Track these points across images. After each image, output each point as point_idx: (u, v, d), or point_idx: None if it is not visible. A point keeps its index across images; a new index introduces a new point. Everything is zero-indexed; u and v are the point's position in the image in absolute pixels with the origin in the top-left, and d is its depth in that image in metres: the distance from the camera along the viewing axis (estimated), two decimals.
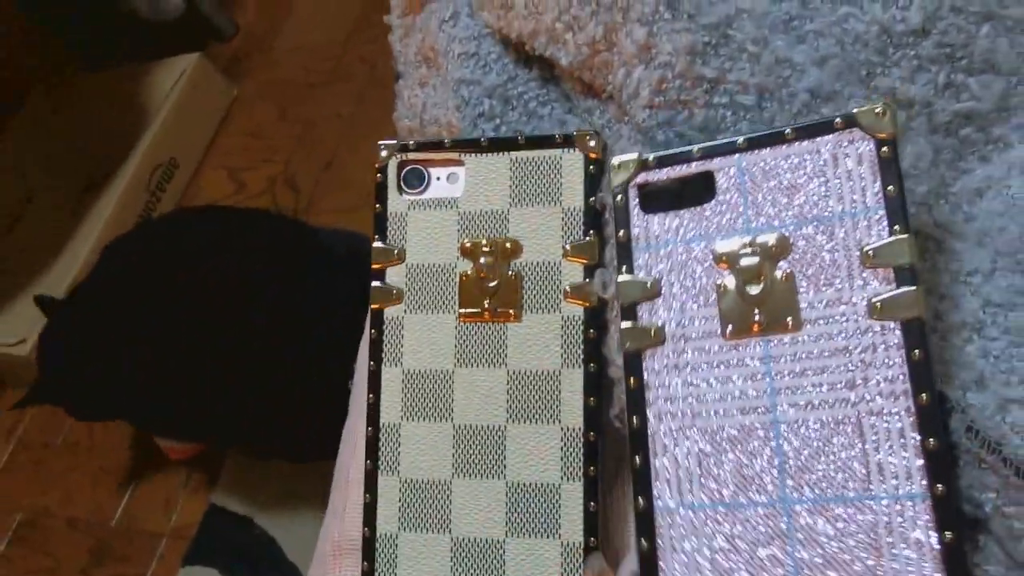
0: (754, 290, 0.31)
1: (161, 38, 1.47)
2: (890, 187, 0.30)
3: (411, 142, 0.39)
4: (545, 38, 0.38)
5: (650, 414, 0.31)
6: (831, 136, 0.31)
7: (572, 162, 0.37)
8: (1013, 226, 0.31)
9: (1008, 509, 0.28)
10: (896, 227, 0.30)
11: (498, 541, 0.35)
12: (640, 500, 0.31)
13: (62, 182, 1.31)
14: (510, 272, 0.37)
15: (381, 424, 0.38)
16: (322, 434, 0.53)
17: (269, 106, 1.35)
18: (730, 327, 0.31)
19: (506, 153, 0.38)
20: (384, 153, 0.39)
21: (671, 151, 0.34)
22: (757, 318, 0.31)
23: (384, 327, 0.38)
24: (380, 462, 0.37)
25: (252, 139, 1.33)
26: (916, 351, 0.28)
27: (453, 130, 0.45)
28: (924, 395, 0.28)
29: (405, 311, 0.38)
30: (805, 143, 0.32)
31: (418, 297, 0.38)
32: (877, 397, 0.28)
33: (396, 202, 0.39)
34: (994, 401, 0.29)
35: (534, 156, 0.37)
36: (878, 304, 0.29)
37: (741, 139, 0.32)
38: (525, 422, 0.35)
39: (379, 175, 0.39)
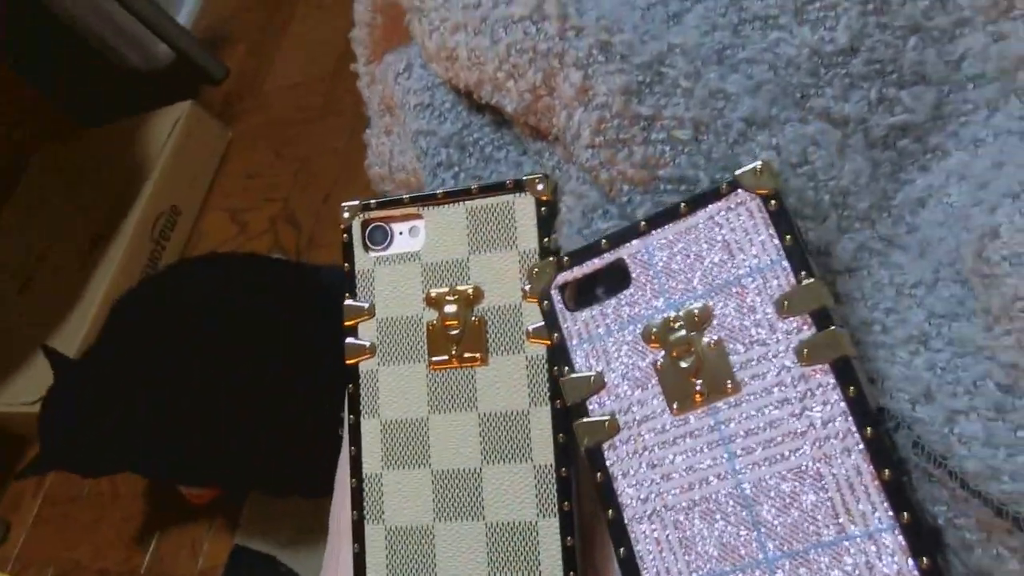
0: (687, 363, 0.32)
1: (154, 87, 1.50)
2: (787, 236, 0.31)
3: (372, 200, 0.40)
4: (490, 87, 0.39)
5: (622, 503, 0.32)
6: (720, 203, 0.32)
7: (524, 206, 0.38)
8: (951, 236, 0.32)
9: (959, 520, 0.28)
10: (802, 273, 0.31)
11: None
12: None
13: (69, 239, 1.34)
14: (474, 318, 0.38)
15: (364, 475, 0.39)
16: (336, 468, 0.54)
17: (264, 146, 1.37)
18: (676, 403, 0.32)
19: (461, 203, 0.39)
20: (347, 214, 0.40)
21: (580, 247, 0.35)
22: (698, 388, 0.32)
23: (360, 381, 0.39)
24: (365, 512, 0.38)
25: (250, 180, 1.35)
26: (851, 388, 0.29)
27: (419, 176, 0.47)
28: (868, 429, 0.29)
29: (379, 364, 0.39)
30: (699, 213, 0.33)
31: (390, 349, 0.39)
32: (826, 439, 0.29)
33: (363, 259, 0.40)
34: (942, 414, 0.29)
35: (488, 204, 0.38)
36: (804, 350, 0.30)
37: (642, 223, 0.34)
38: (499, 462, 0.36)
39: (345, 235, 0.40)
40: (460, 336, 0.38)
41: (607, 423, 0.33)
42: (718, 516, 0.30)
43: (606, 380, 0.33)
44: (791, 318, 0.30)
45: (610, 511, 0.32)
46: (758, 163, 0.32)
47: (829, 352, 0.30)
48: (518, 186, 0.38)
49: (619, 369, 0.33)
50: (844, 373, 0.29)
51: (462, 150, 0.43)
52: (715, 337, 0.32)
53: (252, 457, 0.84)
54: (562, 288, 0.35)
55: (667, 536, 0.31)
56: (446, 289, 0.38)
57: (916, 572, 0.27)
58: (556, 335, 0.35)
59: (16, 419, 1.19)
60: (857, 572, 0.28)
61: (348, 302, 0.40)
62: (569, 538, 0.35)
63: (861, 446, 0.28)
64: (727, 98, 0.35)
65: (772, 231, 0.31)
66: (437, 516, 0.37)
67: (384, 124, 0.50)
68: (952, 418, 0.29)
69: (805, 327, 0.30)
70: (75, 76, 1.54)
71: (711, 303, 0.32)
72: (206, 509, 1.03)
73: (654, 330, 0.33)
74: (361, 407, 0.39)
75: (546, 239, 0.37)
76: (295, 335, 0.81)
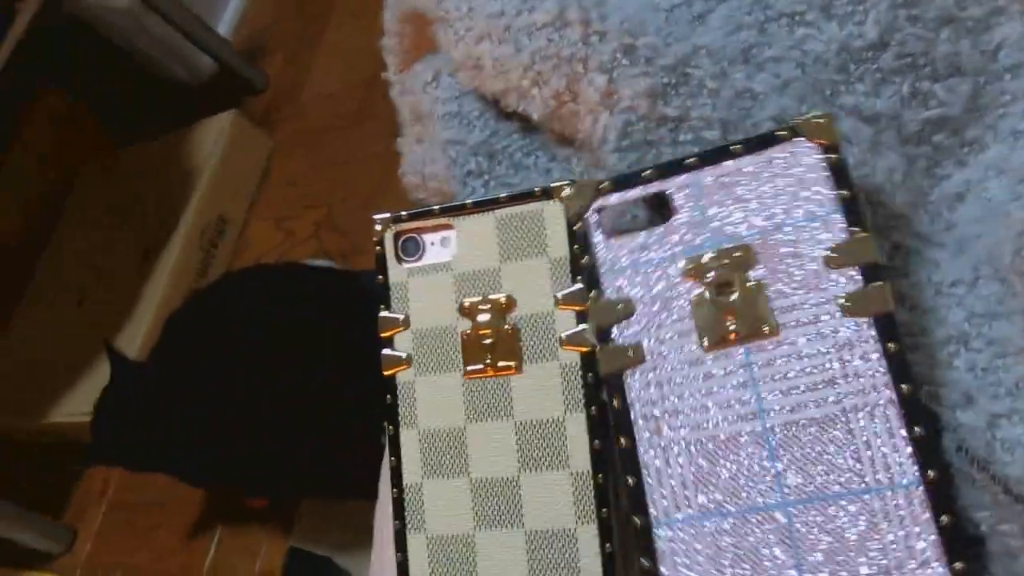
0: (724, 301, 0.31)
1: (197, 99, 1.53)
2: (843, 191, 0.30)
3: (403, 212, 0.41)
4: (515, 95, 0.39)
5: (637, 433, 0.32)
6: (777, 147, 0.32)
7: (553, 213, 0.38)
8: (990, 232, 0.31)
9: (1002, 527, 0.28)
10: (855, 228, 0.30)
11: None
12: (636, 519, 0.31)
13: (121, 252, 1.37)
14: (507, 326, 0.38)
15: (405, 485, 0.39)
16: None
17: (305, 153, 1.39)
18: (707, 339, 0.31)
19: (491, 212, 0.39)
20: (379, 227, 0.41)
21: (624, 173, 0.34)
22: (733, 327, 0.31)
23: (398, 391, 0.40)
24: (407, 521, 0.39)
25: (293, 188, 1.38)
26: (891, 344, 0.29)
27: (451, 184, 0.47)
28: (904, 386, 0.28)
29: (415, 374, 0.39)
30: (754, 155, 0.32)
31: (425, 360, 0.39)
32: (860, 392, 0.29)
33: (396, 271, 0.40)
34: (983, 418, 0.29)
35: (517, 212, 0.38)
36: (847, 302, 0.30)
37: (691, 158, 0.33)
38: (536, 470, 0.37)
39: (378, 247, 0.41)
40: (494, 345, 0.38)
41: (632, 351, 0.33)
42: (737, 456, 0.30)
43: (635, 308, 0.33)
44: (839, 269, 0.30)
45: (623, 439, 0.32)
46: (820, 113, 0.31)
47: (873, 306, 0.29)
48: (546, 193, 0.38)
49: (650, 299, 0.33)
50: (886, 328, 0.29)
51: (491, 158, 0.43)
52: (757, 278, 0.31)
53: (300, 465, 0.86)
54: (599, 212, 0.34)
55: (680, 470, 0.31)
56: (479, 298, 0.38)
57: (936, 529, 0.27)
58: (588, 258, 0.34)
59: (77, 428, 1.23)
60: (874, 523, 0.28)
61: (383, 313, 0.40)
62: (608, 544, 0.35)
63: (896, 401, 0.28)
64: (754, 97, 0.35)
65: (829, 182, 0.31)
66: (477, 524, 0.37)
67: (415, 133, 0.51)
68: (994, 422, 0.29)
69: (852, 279, 0.30)
70: (122, 92, 1.58)
71: (757, 245, 0.31)
72: (262, 513, 1.05)
73: (693, 265, 0.32)
74: (400, 417, 0.40)
75: (576, 246, 0.37)
76: (339, 342, 0.83)
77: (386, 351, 0.40)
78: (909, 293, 0.32)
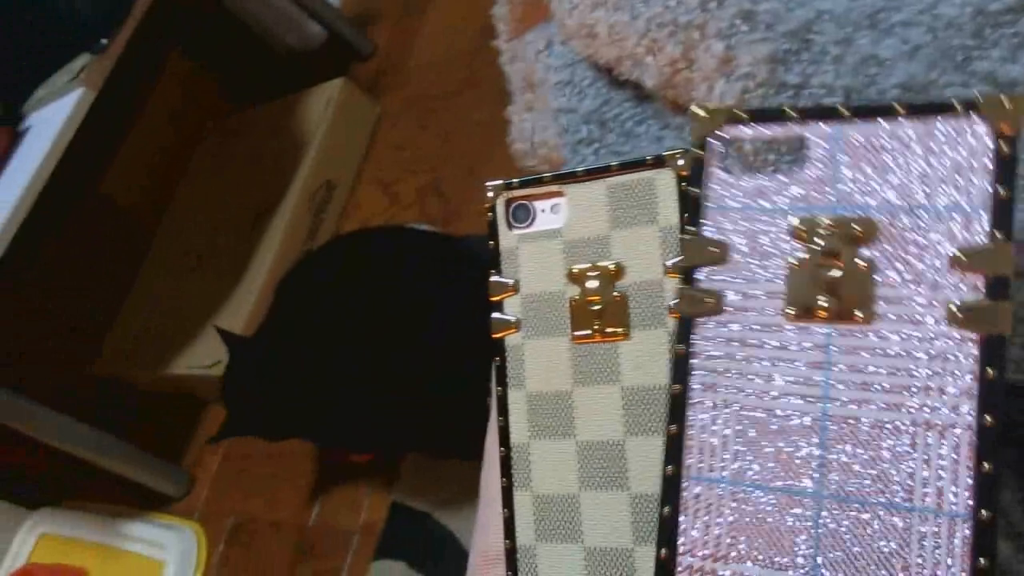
0: (829, 273, 0.29)
1: (307, 67, 1.57)
2: (1002, 189, 0.27)
3: (515, 180, 0.41)
4: (630, 62, 0.39)
5: (693, 383, 0.30)
6: (947, 119, 0.28)
7: (664, 182, 0.38)
8: None
9: None
10: (999, 234, 0.27)
11: (627, 549, 0.37)
12: (669, 467, 0.31)
13: (235, 216, 1.43)
14: (615, 294, 0.38)
15: (512, 444, 0.40)
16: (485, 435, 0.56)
17: (411, 120, 1.41)
18: (794, 308, 0.29)
19: (602, 180, 0.39)
20: (491, 193, 0.42)
21: (764, 107, 0.32)
22: (826, 303, 0.29)
23: (506, 354, 0.41)
24: (514, 479, 0.40)
25: (399, 152, 1.40)
26: (990, 369, 0.27)
27: (560, 152, 0.47)
28: (988, 417, 0.26)
29: (523, 338, 0.40)
30: (916, 123, 0.29)
31: (534, 324, 0.40)
32: (939, 409, 0.27)
33: (507, 237, 0.41)
34: None
35: (628, 180, 0.38)
36: (961, 312, 0.27)
37: (844, 107, 0.30)
38: (642, 435, 0.37)
39: (489, 213, 0.42)
40: (602, 311, 0.38)
41: (711, 300, 0.31)
42: (787, 434, 0.28)
43: (729, 255, 0.31)
44: (964, 274, 0.27)
45: (676, 386, 0.31)
46: (1009, 96, 0.28)
47: (987, 325, 0.27)
48: (658, 162, 0.38)
49: (748, 250, 0.30)
50: (993, 352, 0.27)
51: (602, 126, 0.43)
52: (870, 258, 0.29)
53: (411, 423, 0.89)
54: (724, 142, 0.32)
55: (725, 432, 0.30)
56: (588, 265, 0.39)
57: (970, 569, 0.25)
58: (697, 189, 0.32)
59: (193, 381, 1.30)
60: (907, 543, 0.26)
61: (494, 278, 0.41)
62: (667, 508, 0.35)
63: (975, 430, 0.26)
64: (880, 64, 0.34)
65: (991, 176, 0.27)
66: (583, 485, 0.38)
67: (526, 101, 0.51)
68: None
69: (974, 289, 0.27)
70: (238, 59, 1.64)
71: (882, 222, 0.29)
72: (366, 468, 1.09)
73: (807, 225, 0.30)
74: (508, 379, 0.41)
75: (687, 214, 0.37)
76: (447, 305, 0.85)
77: (496, 315, 0.41)
78: None
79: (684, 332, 0.31)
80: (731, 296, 0.30)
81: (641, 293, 0.38)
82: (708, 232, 0.31)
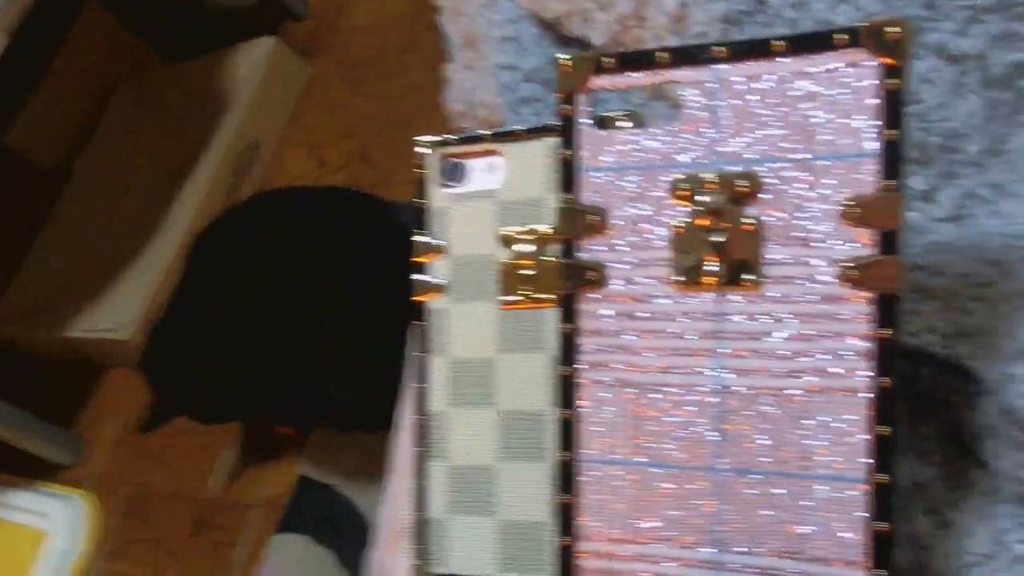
0: (714, 236, 0.27)
1: (238, 24, 1.51)
2: (890, 130, 0.25)
3: (450, 136, 0.39)
4: (578, 18, 0.37)
5: (583, 363, 0.29)
6: (829, 54, 0.26)
7: None
8: None
9: None
10: (889, 181, 0.25)
11: (543, 523, 0.35)
12: (564, 453, 0.29)
13: (152, 172, 1.36)
14: (549, 259, 0.36)
15: (429, 411, 0.38)
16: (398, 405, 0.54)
17: (343, 83, 1.37)
18: (681, 275, 0.28)
19: (542, 140, 0.37)
20: (424, 149, 0.39)
21: (633, 51, 0.29)
22: (713, 269, 0.27)
23: (430, 318, 0.39)
24: (429, 448, 0.38)
25: (329, 116, 1.36)
26: (886, 329, 0.25)
27: (499, 112, 0.45)
28: (886, 378, 0.25)
29: (449, 302, 0.38)
30: (796, 60, 0.26)
31: (461, 288, 0.38)
32: (835, 373, 0.26)
33: (438, 196, 0.39)
34: None
35: None
36: (852, 269, 0.26)
37: (718, 46, 0.27)
38: None
39: (420, 170, 0.39)
40: (533, 277, 0.37)
41: (594, 272, 0.29)
42: (683, 408, 0.27)
43: (608, 223, 0.28)
44: (854, 228, 0.26)
45: (565, 368, 0.29)
46: (892, 19, 0.25)
47: (880, 281, 0.25)
48: (602, 124, 0.36)
49: (627, 216, 0.28)
50: (886, 311, 0.25)
51: (546, 85, 0.41)
52: (755, 217, 0.27)
53: (340, 388, 0.86)
54: (594, 94, 0.29)
55: (620, 409, 0.28)
56: (522, 228, 0.37)
57: (868, 533, 0.25)
58: (570, 149, 0.29)
59: (90, 345, 1.24)
60: (807, 509, 0.26)
61: (421, 238, 0.39)
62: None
63: (868, 394, 0.25)
64: None
65: (878, 115, 0.25)
66: (500, 456, 0.36)
67: (465, 58, 0.49)
68: None
69: (865, 244, 0.25)
70: (161, 11, 1.56)
71: (767, 174, 0.27)
72: (274, 441, 1.05)
73: (686, 184, 0.27)
74: (429, 344, 0.39)
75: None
76: (369, 269, 0.82)
77: (420, 276, 0.39)
78: (976, 244, 0.30)
79: (568, 310, 0.29)
80: (615, 267, 0.28)
81: None
82: (585, 198, 0.29)
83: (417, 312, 0.39)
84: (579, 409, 0.29)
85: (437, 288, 0.39)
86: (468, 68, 0.48)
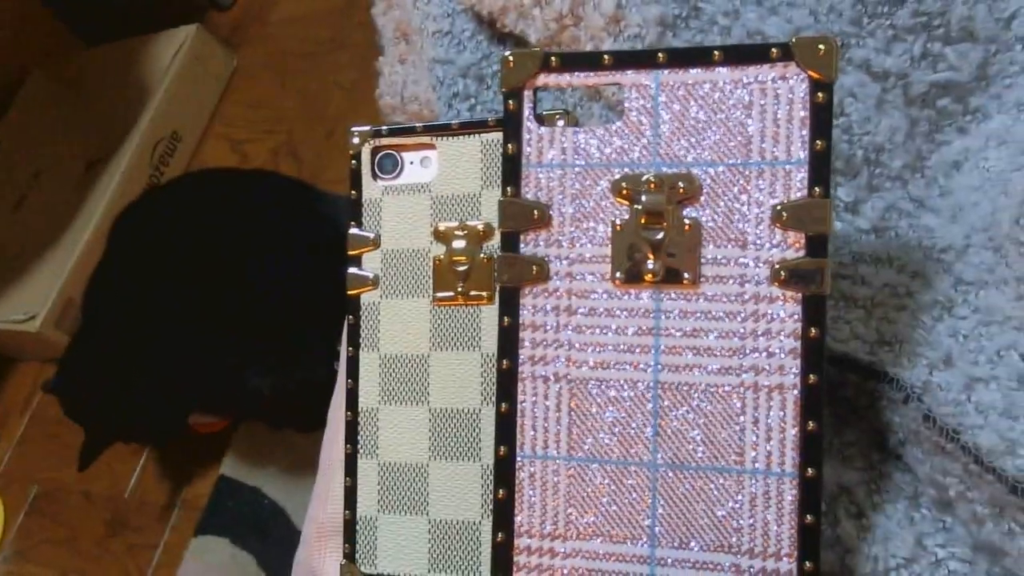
0: (651, 235, 0.28)
1: (160, 10, 1.46)
2: (819, 141, 0.27)
3: (384, 127, 0.39)
4: (515, 15, 0.37)
5: (523, 357, 0.29)
6: (763, 67, 0.27)
7: None
8: (986, 201, 0.31)
9: (970, 494, 0.28)
10: (817, 188, 0.27)
11: (475, 523, 0.35)
12: (502, 448, 0.29)
13: (67, 159, 1.31)
14: (482, 255, 0.36)
15: (360, 408, 0.38)
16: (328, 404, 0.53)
17: (270, 76, 1.34)
18: (621, 272, 0.28)
19: (477, 135, 0.37)
20: (357, 140, 0.39)
21: (578, 52, 0.30)
22: (652, 267, 0.28)
23: (361, 313, 0.38)
24: (360, 446, 0.38)
25: (253, 110, 1.33)
26: (813, 329, 0.26)
27: (432, 107, 0.45)
28: (812, 376, 0.26)
29: (381, 296, 0.38)
30: (734, 70, 0.27)
31: (393, 282, 0.38)
32: (765, 371, 0.27)
33: (371, 188, 0.39)
34: (960, 380, 0.28)
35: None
36: (782, 271, 0.27)
37: (661, 52, 0.28)
38: None
39: (353, 161, 0.39)
40: (467, 273, 0.36)
41: (536, 267, 0.29)
42: (620, 403, 0.28)
43: (552, 218, 0.29)
44: (785, 232, 0.27)
45: (505, 361, 0.29)
46: (823, 38, 0.27)
47: (808, 284, 0.27)
48: (538, 120, 0.36)
49: (570, 213, 0.29)
50: (814, 311, 0.26)
51: (480, 81, 0.41)
52: (694, 218, 0.28)
53: (241, 380, 0.84)
54: (538, 92, 0.30)
55: (558, 403, 0.29)
56: (456, 224, 0.37)
57: (797, 526, 0.26)
58: (512, 144, 0.29)
59: (3, 336, 1.19)
60: (739, 503, 0.27)
61: (353, 231, 0.39)
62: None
63: (799, 390, 0.26)
64: (765, 40, 0.34)
65: (807, 127, 0.27)
66: (433, 454, 0.36)
67: (399, 52, 0.48)
68: (971, 385, 0.28)
69: (795, 247, 0.27)
70: None
71: (704, 177, 0.28)
72: (193, 439, 1.02)
73: (627, 184, 0.28)
74: (361, 340, 0.38)
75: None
76: (292, 255, 0.80)
77: (352, 270, 0.38)
78: (898, 255, 0.32)
79: (509, 303, 0.29)
80: (556, 263, 0.29)
81: None
82: (529, 193, 0.29)
83: (348, 306, 0.38)
84: (518, 404, 0.29)
85: (369, 282, 0.38)
86: (401, 62, 0.48)
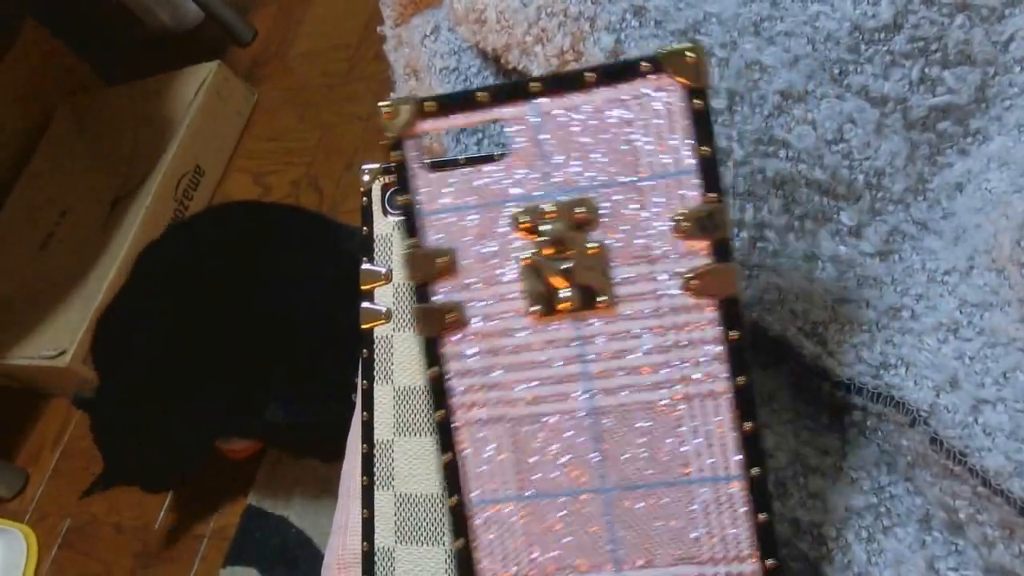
0: (559, 265, 0.28)
1: (181, 47, 1.50)
2: (703, 147, 0.27)
3: (393, 164, 0.40)
4: (517, 51, 0.38)
5: (455, 405, 0.29)
6: (636, 82, 0.27)
7: None
8: (988, 223, 0.31)
9: (980, 517, 0.28)
10: (710, 193, 0.27)
11: None
12: (453, 498, 0.29)
13: (92, 195, 1.34)
14: None
15: (375, 440, 0.38)
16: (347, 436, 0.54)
17: (289, 110, 1.36)
18: (537, 307, 0.28)
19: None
20: (367, 177, 0.40)
21: (453, 92, 0.30)
22: (566, 295, 0.28)
23: (375, 346, 0.39)
24: (376, 477, 0.38)
25: (274, 143, 1.35)
26: (732, 331, 0.27)
27: (442, 141, 0.46)
28: (740, 378, 0.27)
29: (393, 330, 0.39)
30: (608, 90, 0.28)
31: (405, 316, 0.39)
32: (693, 380, 0.27)
33: (381, 224, 0.39)
34: (967, 403, 0.29)
35: None
36: (693, 280, 0.27)
37: (533, 81, 0.28)
38: None
39: (364, 198, 0.40)
40: None
41: (451, 314, 0.29)
42: (560, 435, 0.28)
43: (458, 264, 0.29)
44: (688, 240, 0.27)
45: (439, 412, 0.29)
46: (689, 46, 0.27)
47: (719, 288, 0.27)
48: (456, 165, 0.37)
49: (475, 254, 0.28)
50: (730, 314, 0.27)
51: None
52: (598, 241, 0.28)
53: (264, 410, 0.85)
54: (420, 138, 0.29)
55: (498, 446, 0.28)
56: None
57: (752, 525, 0.26)
58: (406, 196, 0.29)
59: (34, 372, 1.21)
60: (692, 513, 0.27)
61: (365, 266, 0.39)
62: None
63: (729, 393, 0.27)
64: (763, 70, 0.34)
65: (689, 134, 0.27)
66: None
67: (409, 88, 0.49)
68: (978, 408, 0.28)
69: (700, 254, 0.27)
70: (103, 32, 1.54)
71: (600, 200, 0.28)
72: (221, 467, 1.03)
73: (526, 217, 0.28)
74: (375, 372, 0.39)
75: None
76: (320, 294, 0.82)
77: (366, 304, 0.39)
78: (902, 278, 0.32)
79: (432, 354, 0.29)
80: (472, 306, 0.29)
81: None
82: (431, 241, 0.29)
83: (365, 340, 0.39)
84: (460, 452, 0.29)
85: (381, 316, 0.39)
86: None
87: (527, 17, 0.37)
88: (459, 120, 0.29)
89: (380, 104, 0.30)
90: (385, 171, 0.40)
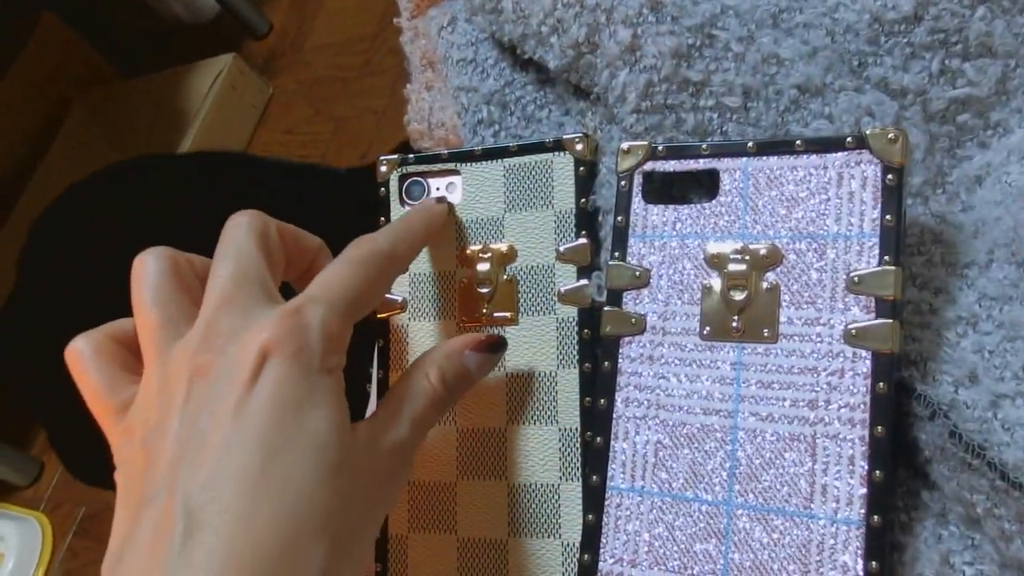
0: (738, 296, 0.32)
1: (197, 40, 1.50)
2: (888, 216, 0.30)
3: (410, 156, 0.40)
4: (533, 41, 0.38)
5: (618, 398, 0.33)
6: (840, 154, 0.31)
7: (562, 165, 0.37)
8: (1008, 216, 0.31)
9: (997, 511, 0.27)
10: (887, 257, 0.30)
11: (501, 542, 0.36)
12: (594, 477, 0.33)
13: None
14: (506, 276, 0.37)
15: None
16: None
17: (303, 103, 1.37)
18: (708, 328, 0.32)
19: (500, 160, 0.38)
20: (384, 168, 0.40)
21: (681, 143, 0.34)
22: (736, 324, 0.31)
23: (390, 335, 0.39)
24: None
25: (289, 136, 1.36)
26: (881, 384, 0.29)
27: (458, 133, 0.46)
28: (880, 428, 0.29)
29: (409, 319, 0.39)
30: (813, 157, 0.31)
31: (421, 305, 0.39)
32: (835, 421, 0.29)
33: (398, 214, 0.40)
34: (986, 397, 0.28)
35: (526, 162, 0.37)
36: (854, 331, 0.30)
37: (751, 143, 0.33)
38: (524, 423, 0.36)
39: (382, 189, 0.40)
40: (491, 295, 0.37)
41: (635, 320, 0.33)
42: (700, 446, 0.31)
43: (651, 280, 0.33)
44: (857, 296, 0.30)
45: (602, 400, 0.33)
46: (894, 130, 0.30)
47: (877, 343, 0.29)
48: (558, 145, 0.37)
49: (668, 275, 0.33)
50: (881, 368, 0.29)
51: (503, 108, 0.42)
52: (774, 282, 0.31)
53: None
54: (646, 176, 0.34)
55: (645, 443, 0.32)
56: (480, 247, 0.38)
57: (863, 572, 0.28)
58: (622, 218, 0.34)
59: None
60: (806, 548, 0.29)
61: None
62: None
63: (867, 440, 0.29)
64: (780, 64, 0.34)
65: (879, 206, 0.30)
66: (460, 473, 0.37)
67: (425, 80, 0.49)
68: (997, 403, 0.28)
69: (866, 309, 0.30)
70: (119, 25, 1.55)
71: (785, 248, 0.31)
72: None
73: (718, 252, 0.32)
74: (390, 362, 0.39)
75: (583, 200, 0.36)
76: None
77: None
78: (921, 272, 0.32)
79: (611, 350, 0.33)
80: (652, 317, 0.33)
81: (531, 277, 0.37)
82: (633, 259, 0.34)
83: (380, 329, 0.39)
84: (613, 438, 0.33)
85: (397, 305, 0.39)
86: (427, 89, 0.49)
87: (543, 7, 0.37)
88: (682, 164, 0.33)
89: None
90: (401, 162, 0.40)
